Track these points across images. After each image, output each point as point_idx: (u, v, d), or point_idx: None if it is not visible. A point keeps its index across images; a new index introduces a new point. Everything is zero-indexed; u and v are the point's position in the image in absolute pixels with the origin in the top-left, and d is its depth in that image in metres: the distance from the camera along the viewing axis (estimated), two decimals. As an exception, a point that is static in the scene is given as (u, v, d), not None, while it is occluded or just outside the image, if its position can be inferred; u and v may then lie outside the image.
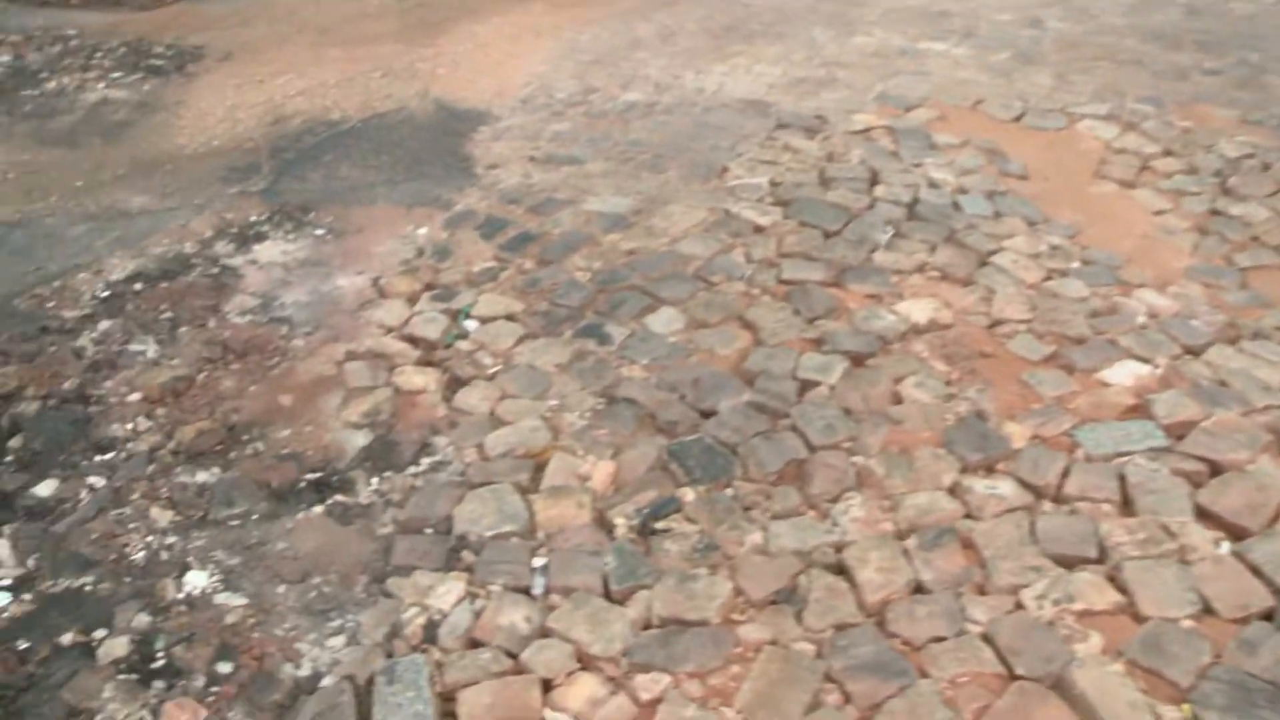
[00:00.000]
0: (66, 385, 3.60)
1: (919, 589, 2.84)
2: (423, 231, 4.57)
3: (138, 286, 4.20)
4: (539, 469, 3.24)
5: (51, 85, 6.56)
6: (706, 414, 3.44)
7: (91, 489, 3.19)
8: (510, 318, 3.97)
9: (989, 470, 3.23)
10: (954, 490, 3.13)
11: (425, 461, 3.29)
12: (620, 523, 3.04)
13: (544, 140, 5.40)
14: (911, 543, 2.94)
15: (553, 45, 6.88)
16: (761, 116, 5.61)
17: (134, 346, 3.77)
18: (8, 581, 2.90)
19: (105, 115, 6.00)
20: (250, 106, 6.00)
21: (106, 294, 4.15)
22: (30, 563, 2.95)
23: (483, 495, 3.11)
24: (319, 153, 5.30)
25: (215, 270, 4.29)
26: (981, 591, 2.82)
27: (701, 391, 3.53)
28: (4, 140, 5.67)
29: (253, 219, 4.68)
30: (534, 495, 3.13)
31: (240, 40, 7.25)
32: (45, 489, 3.21)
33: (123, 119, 5.99)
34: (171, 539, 3.03)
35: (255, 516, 3.10)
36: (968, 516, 3.04)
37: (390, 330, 3.91)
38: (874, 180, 4.83)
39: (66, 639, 2.73)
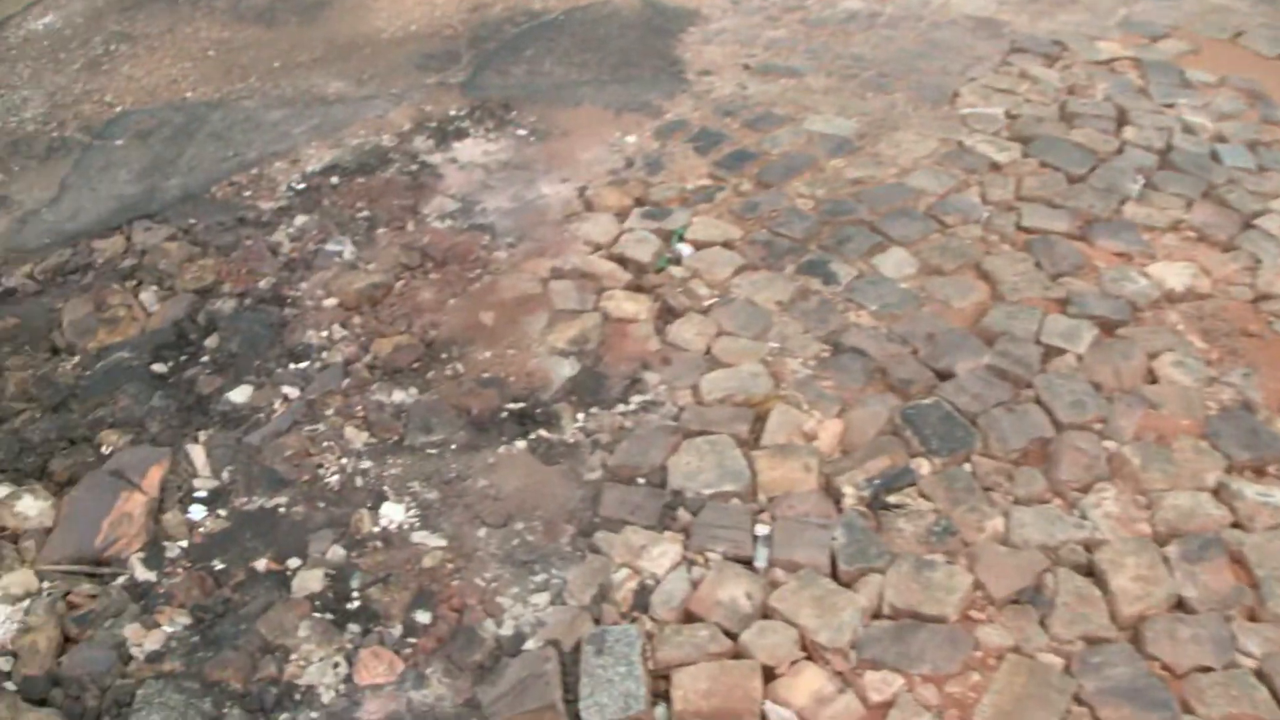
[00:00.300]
0: (262, 284, 3.43)
1: (1181, 605, 2.46)
2: (631, 140, 4.24)
3: (334, 180, 4.00)
4: (759, 420, 2.93)
5: (250, -42, 6.37)
6: (943, 375, 3.08)
7: (285, 399, 3.02)
8: (727, 245, 3.64)
9: (1259, 472, 2.80)
10: (1219, 493, 2.72)
11: (635, 400, 3.01)
12: (849, 492, 2.72)
13: (759, 47, 4.99)
14: (1173, 550, 2.55)
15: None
16: (994, 37, 5.07)
17: (330, 246, 3.57)
18: (203, 493, 2.75)
19: (302, -7, 5.79)
20: (444, -6, 5.72)
21: (303, 186, 3.96)
22: (225, 475, 2.80)
23: (700, 446, 2.83)
24: (521, 45, 5.00)
25: (414, 167, 4.05)
26: (1253, 617, 2.43)
27: (937, 348, 3.15)
28: (206, 15, 5.51)
29: (452, 113, 4.43)
30: (755, 452, 2.82)
31: None
32: (240, 395, 3.06)
33: (319, -1, 5.77)
34: (366, 464, 2.84)
35: (454, 446, 2.88)
36: (1235, 525, 2.63)
37: (598, 248, 3.63)
38: (1122, 120, 4.29)
39: (261, 565, 2.57)
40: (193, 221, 3.77)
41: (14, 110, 4.68)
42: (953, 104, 4.46)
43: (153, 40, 5.28)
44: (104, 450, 2.85)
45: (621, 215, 3.81)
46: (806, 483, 2.75)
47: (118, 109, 4.64)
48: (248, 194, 3.93)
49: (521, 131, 4.31)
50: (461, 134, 4.28)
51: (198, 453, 2.85)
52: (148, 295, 3.39)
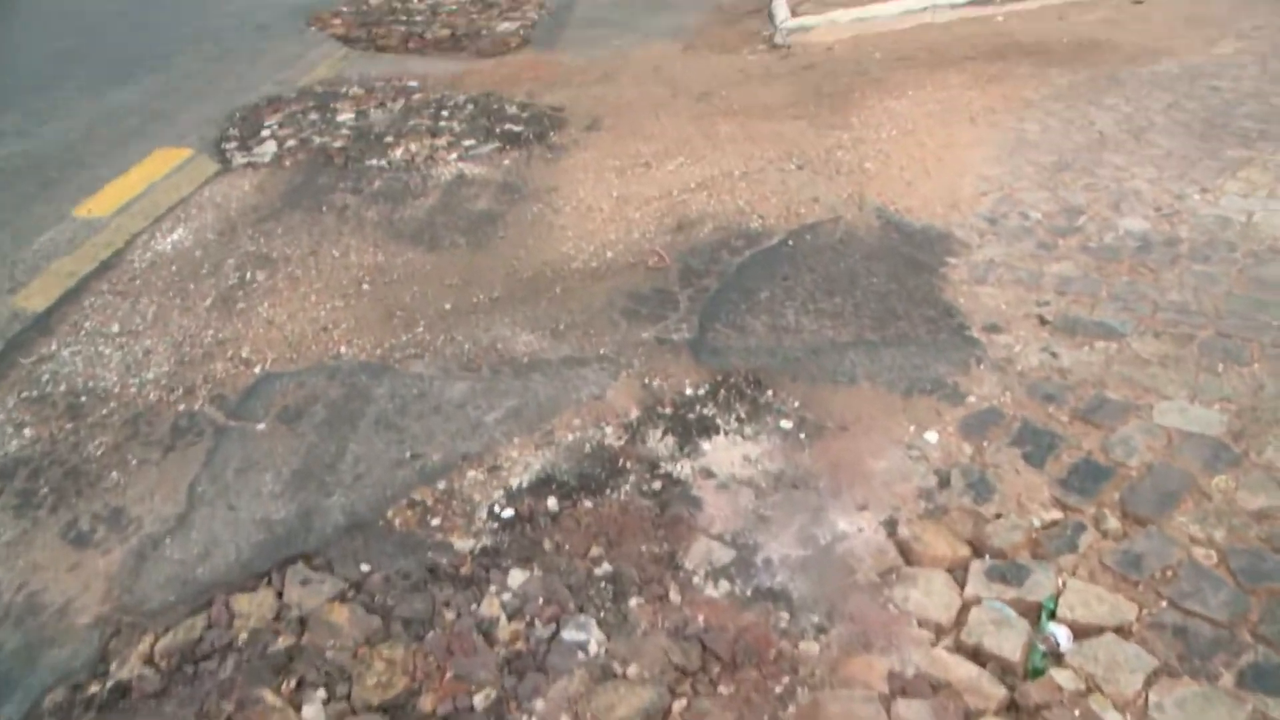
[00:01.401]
0: (477, 700, 2.35)
1: None
2: (933, 439, 3.16)
3: (551, 503, 2.96)
4: None
5: (399, 153, 5.53)
6: None
7: None
8: (1121, 630, 2.49)
9: None
10: None
11: None
12: None
13: (1049, 291, 3.94)
14: None
15: (995, 136, 5.39)
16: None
17: (568, 634, 2.50)
18: None
19: (465, 201, 4.89)
20: (643, 201, 4.77)
21: (510, 513, 2.92)
22: None
23: None
24: (750, 283, 4.00)
25: (656, 485, 3.00)
26: None
27: None
28: (355, 231, 4.62)
29: (689, 392, 3.40)
30: None
31: (605, 102, 6.08)
32: None
33: (486, 208, 4.84)
34: None
35: None
36: None
37: (940, 633, 2.53)
38: None
39: None
40: (366, 569, 2.73)
41: (135, 368, 3.75)
42: (1344, 385, 3.32)
43: (294, 266, 4.36)
44: None
45: (957, 571, 2.69)
46: None
47: (257, 369, 3.68)
48: (436, 523, 2.89)
49: (785, 424, 3.24)
50: (708, 427, 3.23)
51: None
52: (312, 711, 2.31)
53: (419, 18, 9.07)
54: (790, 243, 4.36)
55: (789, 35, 7.05)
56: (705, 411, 3.32)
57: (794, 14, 7.26)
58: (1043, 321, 3.79)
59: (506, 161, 5.50)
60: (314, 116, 6.25)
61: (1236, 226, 4.42)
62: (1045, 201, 4.69)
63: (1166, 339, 3.65)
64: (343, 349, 3.79)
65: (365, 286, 4.21)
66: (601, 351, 3.67)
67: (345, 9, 9.10)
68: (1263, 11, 7.74)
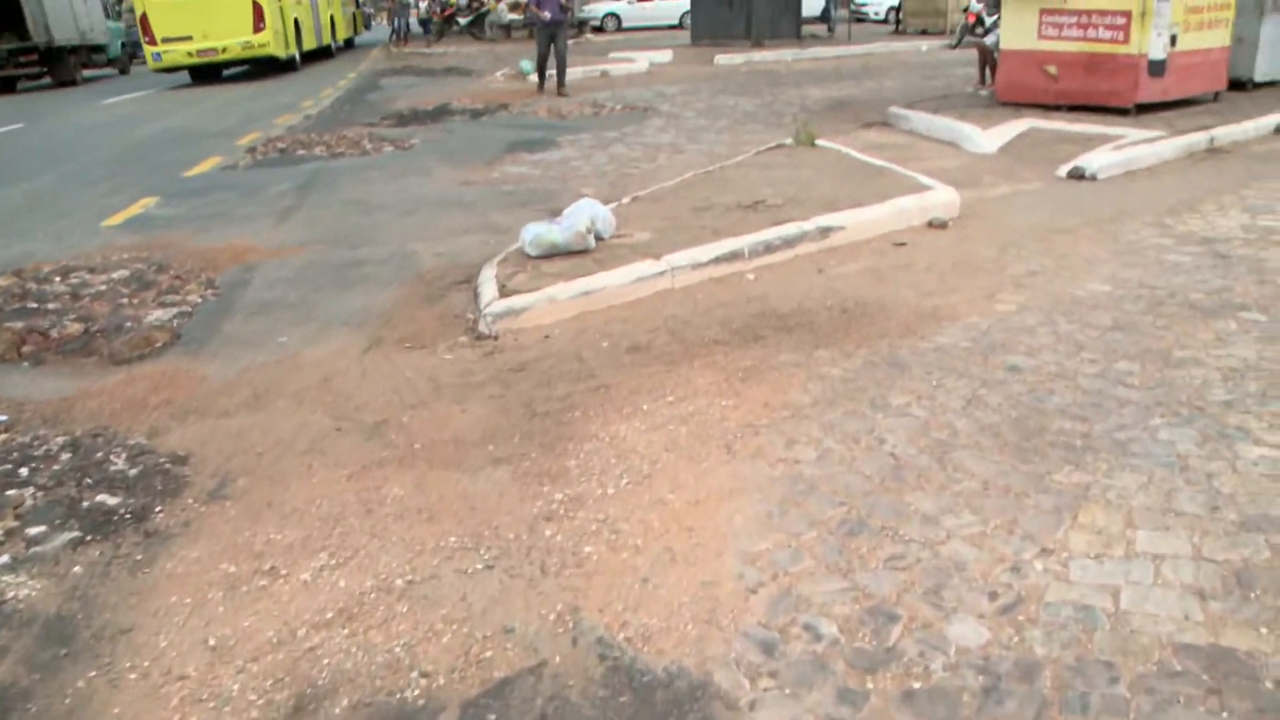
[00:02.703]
0: None
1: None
2: None
3: None
4: None
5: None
6: None
7: None
8: None
9: None
10: None
11: None
12: None
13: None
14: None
15: (760, 475, 3.99)
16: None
17: None
18: None
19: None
20: (251, 654, 3.13)
21: None
22: None
23: None
24: None
25: None
26: None
27: None
28: None
29: None
30: None
31: (247, 444, 4.48)
32: None
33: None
34: None
35: None
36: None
37: None
38: None
39: None
40: None
41: None
42: None
43: None
44: None
45: None
46: None
47: None
48: None
49: None
50: None
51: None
52: None
53: (52, 304, 7.19)
54: (461, 735, 2.67)
55: (496, 322, 5.54)
56: None
57: (503, 292, 5.77)
58: None
59: (78, 568, 3.71)
60: None
61: (1104, 623, 3.02)
62: (840, 599, 3.22)
63: None
64: None
65: None
66: None
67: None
68: (1029, 251, 6.79)
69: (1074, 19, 11.94)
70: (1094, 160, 9.56)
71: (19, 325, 6.63)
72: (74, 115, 20.25)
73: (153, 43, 23.39)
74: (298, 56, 27.00)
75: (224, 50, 23.71)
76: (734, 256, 6.57)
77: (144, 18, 23.16)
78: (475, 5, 40.54)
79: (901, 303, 5.92)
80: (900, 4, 34.02)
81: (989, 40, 14.88)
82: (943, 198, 7.94)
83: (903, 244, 7.24)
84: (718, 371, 4.98)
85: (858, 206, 7.48)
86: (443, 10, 40.60)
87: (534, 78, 20.05)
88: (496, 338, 5.59)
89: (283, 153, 13.29)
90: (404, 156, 12.37)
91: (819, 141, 10.39)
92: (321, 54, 31.40)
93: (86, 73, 30.76)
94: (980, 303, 5.94)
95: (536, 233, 6.46)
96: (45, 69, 27.29)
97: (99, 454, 4.64)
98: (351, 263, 7.53)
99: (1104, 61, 11.78)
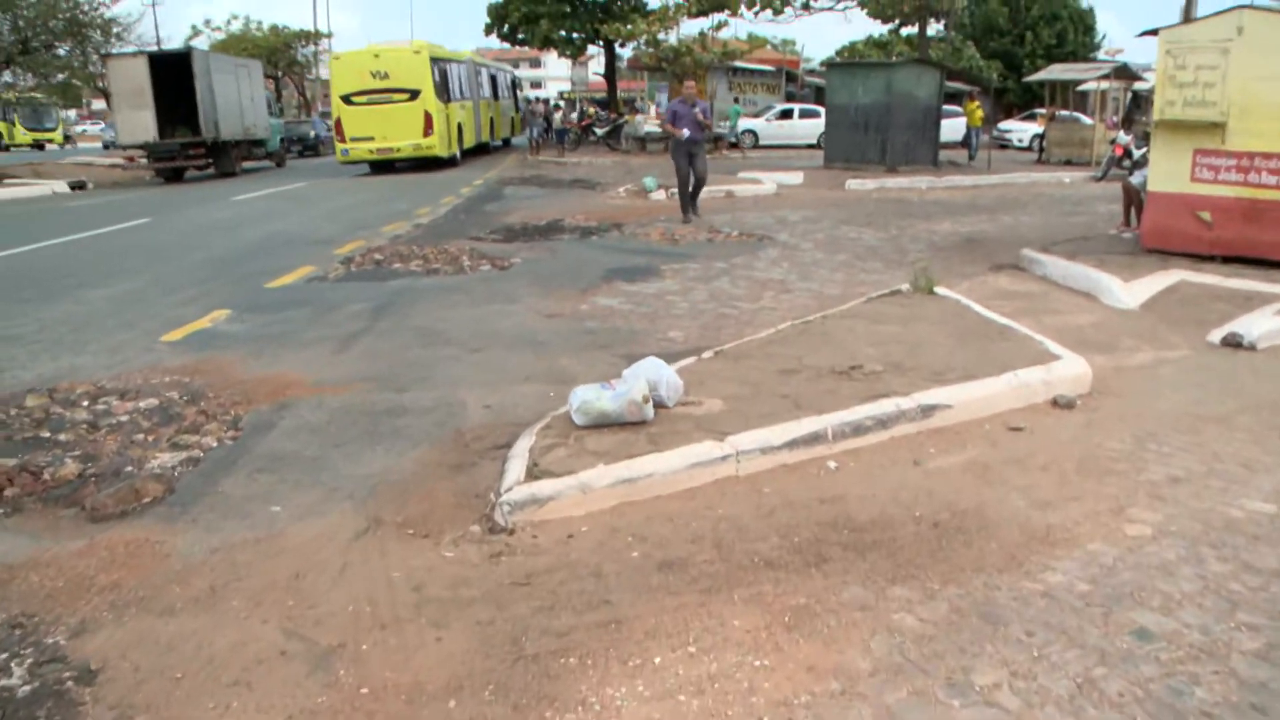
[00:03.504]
0: None
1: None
2: None
3: None
4: None
5: None
6: None
7: None
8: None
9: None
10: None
11: None
12: None
13: None
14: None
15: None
16: None
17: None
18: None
19: None
20: None
21: None
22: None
23: None
24: None
25: None
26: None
27: None
28: None
29: None
30: None
31: (172, 663, 3.95)
32: None
33: None
34: None
35: None
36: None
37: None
38: None
39: None
40: None
41: None
42: None
43: None
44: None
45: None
46: None
47: None
48: None
49: None
50: None
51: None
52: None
53: (65, 435, 6.56)
54: None
55: (514, 513, 4.61)
56: None
57: (530, 474, 4.85)
58: None
59: None
60: None
61: None
62: None
63: None
64: None
65: None
66: None
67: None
68: (1172, 447, 5.60)
69: (1233, 161, 10.71)
70: (1254, 326, 8.28)
71: (11, 463, 5.95)
72: (200, 211, 20.46)
73: (343, 140, 28.99)
74: (458, 154, 31.99)
75: (398, 150, 28.87)
76: (814, 439, 5.53)
77: (338, 121, 29.06)
78: (613, 116, 40.74)
79: (1009, 515, 4.80)
80: (1044, 132, 32.73)
81: (1136, 179, 13.66)
82: (1071, 370, 6.79)
83: (1019, 429, 6.10)
84: (761, 610, 3.94)
85: (969, 379, 6.38)
86: (580, 120, 40.89)
87: (657, 195, 19.46)
88: (512, 531, 4.65)
89: (378, 264, 12.79)
90: (497, 279, 11.70)
91: (938, 289, 9.31)
92: (480, 150, 36.96)
93: (247, 164, 33.89)
94: (1107, 521, 4.78)
95: (584, 399, 5.54)
96: (210, 160, 30.24)
97: (2, 655, 3.80)
98: (391, 410, 6.72)
99: (1268, 209, 10.50)
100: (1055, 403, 6.66)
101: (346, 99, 28.56)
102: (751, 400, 6.13)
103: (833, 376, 6.63)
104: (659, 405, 5.87)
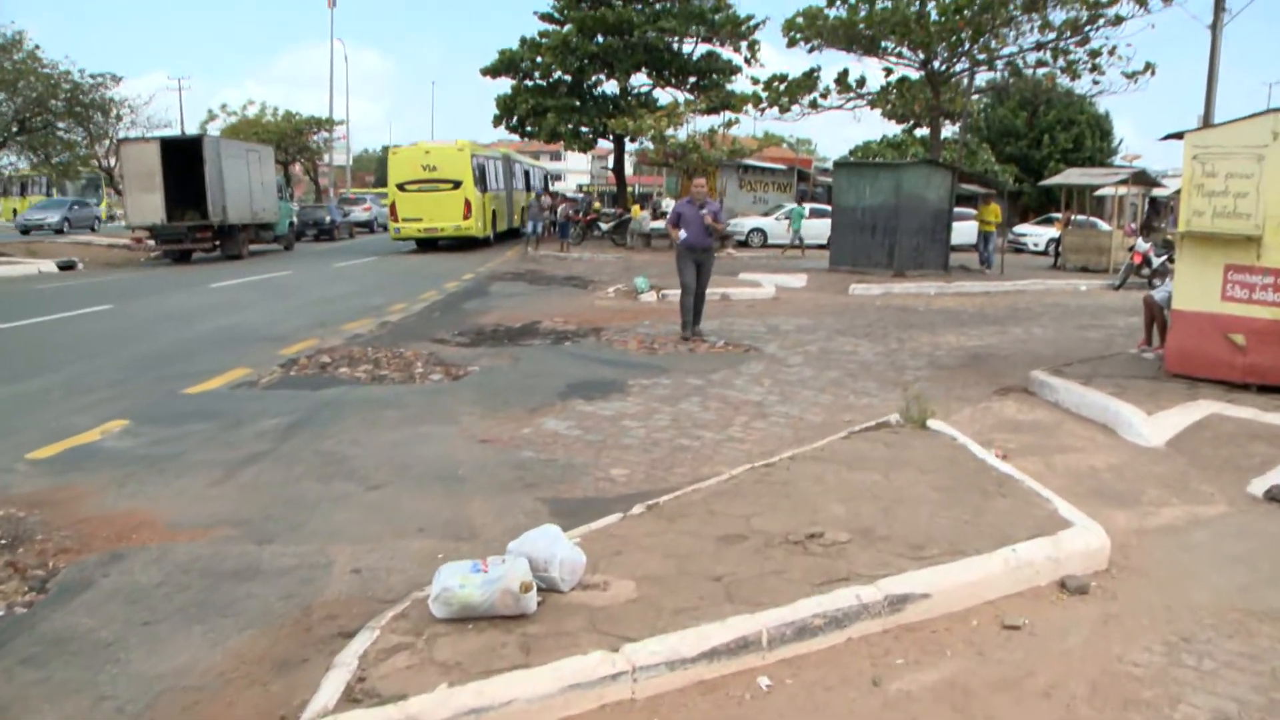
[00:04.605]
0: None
1: None
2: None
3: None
4: None
5: None
6: None
7: None
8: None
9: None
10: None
11: None
12: None
13: None
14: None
15: None
16: None
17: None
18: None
19: None
20: None
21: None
22: None
23: None
24: None
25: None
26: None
27: None
28: None
29: None
30: None
31: None
32: None
33: None
34: None
35: None
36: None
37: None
38: None
39: None
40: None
41: None
42: None
43: None
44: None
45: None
46: None
47: None
48: None
49: None
50: None
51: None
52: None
53: None
54: None
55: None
56: None
57: (350, 693, 3.51)
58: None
59: None
60: None
61: None
62: None
63: None
64: None
65: None
66: None
67: None
68: (1217, 660, 4.21)
69: (1270, 279, 9.41)
70: (1303, 478, 6.88)
71: None
72: (169, 299, 19.48)
73: (396, 220, 34.12)
74: (492, 235, 36.93)
75: (442, 229, 33.67)
76: (743, 647, 4.16)
77: (393, 205, 33.95)
78: (620, 211, 39.83)
79: (994, 786, 3.36)
80: (1060, 237, 31.56)
81: (1158, 295, 12.33)
82: (1084, 542, 5.42)
83: (1016, 627, 4.71)
84: None
85: (956, 556, 5.01)
86: (584, 214, 40.00)
87: (648, 296, 18.23)
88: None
89: (323, 369, 11.56)
90: (443, 391, 10.42)
91: (932, 422, 7.96)
92: (511, 233, 41.29)
93: (255, 247, 34.03)
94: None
95: (445, 585, 4.20)
96: (217, 243, 30.44)
97: None
98: (240, 570, 5.39)
99: (1309, 335, 9.16)
100: (1064, 585, 5.28)
101: (401, 186, 33.61)
102: (673, 584, 4.76)
103: (784, 548, 5.24)
104: (550, 590, 4.51)
